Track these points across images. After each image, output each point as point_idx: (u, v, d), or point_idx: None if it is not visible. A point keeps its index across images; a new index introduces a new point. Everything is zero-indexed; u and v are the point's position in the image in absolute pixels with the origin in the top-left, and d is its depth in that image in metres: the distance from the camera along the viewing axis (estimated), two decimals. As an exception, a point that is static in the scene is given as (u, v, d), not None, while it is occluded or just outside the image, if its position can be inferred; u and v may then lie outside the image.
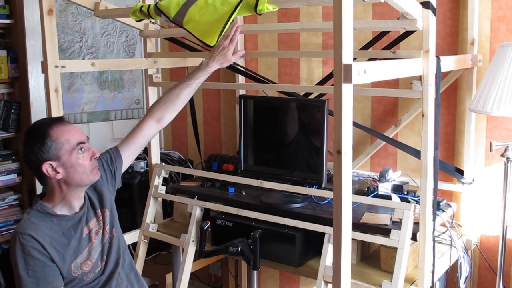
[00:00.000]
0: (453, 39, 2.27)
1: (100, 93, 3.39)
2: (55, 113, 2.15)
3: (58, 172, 1.67)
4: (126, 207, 2.91)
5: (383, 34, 2.28)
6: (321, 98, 2.40)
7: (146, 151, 2.91)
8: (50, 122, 1.70)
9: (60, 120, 1.73)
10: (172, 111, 2.01)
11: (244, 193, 2.41)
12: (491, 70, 1.93)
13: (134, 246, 2.58)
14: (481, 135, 2.25)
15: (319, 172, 2.15)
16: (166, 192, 2.57)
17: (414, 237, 1.87)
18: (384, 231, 1.91)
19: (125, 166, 1.99)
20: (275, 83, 2.76)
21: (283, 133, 2.31)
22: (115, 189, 1.96)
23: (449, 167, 2.28)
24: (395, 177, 2.20)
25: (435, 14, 1.73)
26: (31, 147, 1.66)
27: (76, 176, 1.70)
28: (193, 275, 3.18)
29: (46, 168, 1.66)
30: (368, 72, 1.38)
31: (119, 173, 1.96)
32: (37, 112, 2.99)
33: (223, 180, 2.46)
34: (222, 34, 1.84)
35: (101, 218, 1.81)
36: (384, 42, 2.26)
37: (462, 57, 2.09)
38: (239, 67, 2.73)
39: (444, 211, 2.13)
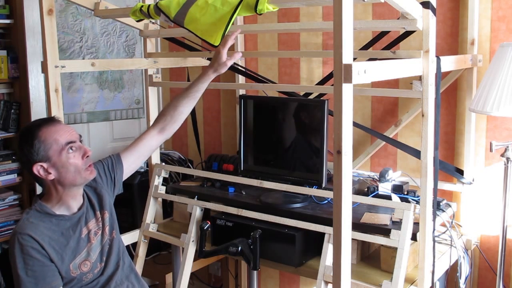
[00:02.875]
0: (453, 39, 2.27)
1: (100, 93, 3.39)
2: (55, 113, 2.14)
3: (50, 173, 1.67)
4: (126, 207, 2.91)
5: (383, 34, 2.28)
6: (321, 98, 2.40)
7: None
8: (40, 123, 1.70)
9: (50, 121, 1.72)
10: (173, 124, 2.01)
11: (244, 193, 2.41)
12: (491, 70, 1.93)
13: (134, 246, 2.58)
14: (481, 135, 2.25)
15: (319, 172, 2.15)
16: (166, 192, 2.57)
17: (414, 237, 1.87)
18: (384, 231, 1.91)
19: (127, 174, 1.99)
20: (275, 83, 2.76)
21: (283, 133, 2.31)
22: (115, 194, 1.96)
23: (449, 167, 2.28)
24: (395, 177, 2.20)
25: (435, 14, 1.73)
26: (22, 149, 1.67)
27: (68, 176, 1.69)
28: (193, 275, 3.18)
29: (38, 169, 1.66)
30: (368, 72, 1.38)
31: (120, 179, 1.96)
32: (37, 112, 2.98)
33: (223, 180, 2.46)
34: (226, 34, 1.83)
35: (100, 219, 1.81)
36: (384, 42, 2.26)
37: (462, 57, 2.09)
38: (239, 67, 2.73)
39: (444, 211, 2.13)
